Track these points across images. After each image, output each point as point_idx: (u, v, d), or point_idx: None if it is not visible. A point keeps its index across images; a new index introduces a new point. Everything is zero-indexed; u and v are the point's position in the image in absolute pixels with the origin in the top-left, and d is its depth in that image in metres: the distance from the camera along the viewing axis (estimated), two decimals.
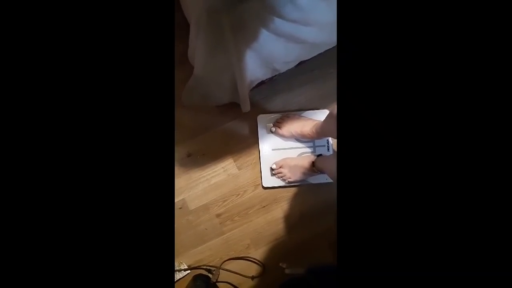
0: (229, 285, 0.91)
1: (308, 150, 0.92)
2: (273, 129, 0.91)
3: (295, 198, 0.93)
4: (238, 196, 0.93)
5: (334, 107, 0.67)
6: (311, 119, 0.91)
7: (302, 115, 0.93)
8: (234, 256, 0.92)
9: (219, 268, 0.90)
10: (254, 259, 0.92)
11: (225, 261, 0.91)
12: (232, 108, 0.91)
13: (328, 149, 0.92)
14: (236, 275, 0.91)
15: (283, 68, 0.82)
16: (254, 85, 0.83)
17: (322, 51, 0.82)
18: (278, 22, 0.57)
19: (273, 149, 0.92)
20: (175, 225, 0.92)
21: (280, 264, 0.89)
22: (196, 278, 0.88)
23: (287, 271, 0.88)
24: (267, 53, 0.68)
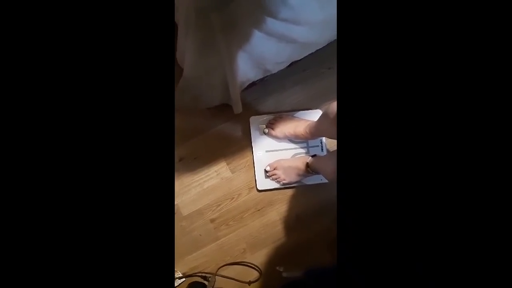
0: None
1: (302, 150, 0.91)
2: (266, 130, 0.90)
3: (291, 200, 0.92)
4: (232, 200, 0.91)
5: (328, 107, 0.66)
6: (304, 119, 0.90)
7: (294, 115, 0.92)
8: (230, 262, 0.90)
9: (215, 274, 0.88)
10: (250, 263, 0.90)
11: (221, 267, 0.89)
12: (223, 110, 0.89)
13: (322, 149, 0.92)
14: (233, 281, 0.89)
15: (274, 69, 0.80)
16: (245, 86, 0.82)
17: (313, 51, 0.81)
18: (269, 22, 0.56)
19: (266, 151, 0.91)
20: None
21: (277, 268, 0.88)
22: (192, 286, 0.86)
23: (284, 274, 0.87)
24: (259, 54, 0.67)
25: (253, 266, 0.90)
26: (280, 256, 0.90)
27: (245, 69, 0.70)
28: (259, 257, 0.90)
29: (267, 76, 0.83)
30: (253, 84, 0.85)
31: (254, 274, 0.90)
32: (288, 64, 0.83)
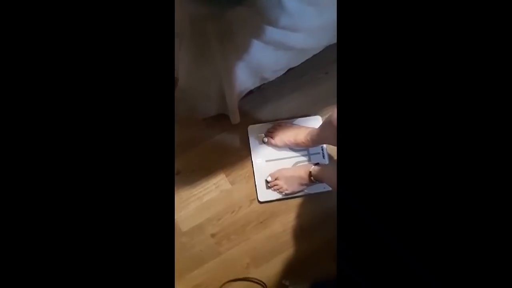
0: None
1: (303, 158, 0.89)
2: (265, 139, 0.87)
3: (294, 210, 0.89)
4: (233, 213, 0.88)
5: (332, 114, 0.64)
6: (304, 126, 0.87)
7: (293, 123, 0.89)
8: (233, 278, 0.86)
9: None
10: (254, 279, 0.86)
11: (224, 283, 0.85)
12: (220, 120, 0.86)
13: (324, 156, 0.89)
14: None
15: (271, 77, 0.78)
16: (243, 95, 0.79)
17: (309, 56, 0.79)
18: (267, 30, 0.54)
19: (266, 161, 0.88)
20: None
21: (283, 282, 0.84)
22: None
23: None
24: (256, 62, 0.64)
25: (257, 281, 0.86)
26: (286, 269, 0.87)
27: (242, 78, 0.68)
28: (264, 272, 0.87)
29: (264, 83, 0.81)
30: (249, 92, 0.83)
31: None
32: (285, 71, 0.81)
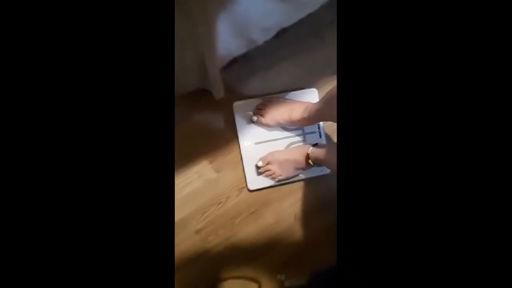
0: None
1: (298, 139, 0.78)
2: (254, 118, 0.75)
3: (287, 197, 0.79)
4: (220, 205, 0.77)
5: (335, 86, 0.52)
6: (298, 101, 0.75)
7: (286, 97, 0.77)
8: (223, 277, 0.77)
9: None
10: (247, 276, 0.78)
11: (214, 284, 0.76)
12: (200, 96, 0.73)
13: (320, 136, 0.79)
14: None
15: (260, 39, 0.65)
16: (226, 62, 0.66)
17: (304, 14, 0.67)
18: None
19: (256, 143, 0.76)
20: None
21: (278, 277, 0.76)
22: None
23: (286, 283, 0.76)
24: (242, 15, 0.51)
25: (250, 278, 0.77)
26: (281, 263, 0.79)
27: (225, 38, 0.54)
28: (257, 267, 0.78)
29: (250, 50, 0.68)
30: (233, 61, 0.70)
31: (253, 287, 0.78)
32: (276, 32, 0.68)
